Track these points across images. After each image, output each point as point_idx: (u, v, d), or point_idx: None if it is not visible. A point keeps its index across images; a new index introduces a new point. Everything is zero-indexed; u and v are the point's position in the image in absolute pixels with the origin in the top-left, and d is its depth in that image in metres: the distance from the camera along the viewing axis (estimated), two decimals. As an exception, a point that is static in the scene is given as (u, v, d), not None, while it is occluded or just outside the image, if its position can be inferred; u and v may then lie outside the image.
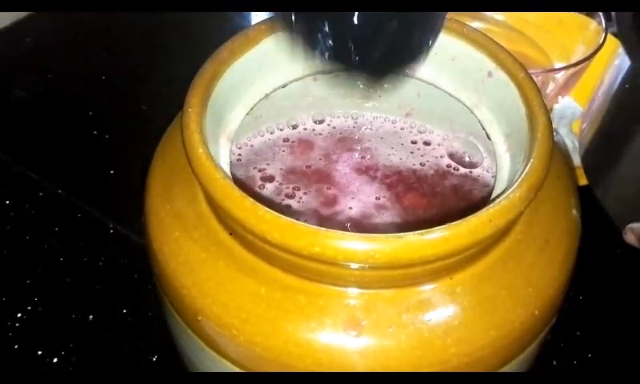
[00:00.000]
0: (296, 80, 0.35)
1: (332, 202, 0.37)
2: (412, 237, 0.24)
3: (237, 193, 0.25)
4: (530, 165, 0.27)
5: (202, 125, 0.28)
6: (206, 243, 0.28)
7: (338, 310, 0.26)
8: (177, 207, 0.30)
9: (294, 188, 0.38)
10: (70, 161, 0.57)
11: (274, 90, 0.35)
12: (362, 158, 0.40)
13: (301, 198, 0.37)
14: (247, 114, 0.34)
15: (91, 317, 0.47)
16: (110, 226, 0.52)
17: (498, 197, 0.26)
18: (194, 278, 0.27)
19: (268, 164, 0.39)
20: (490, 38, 0.32)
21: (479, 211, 0.25)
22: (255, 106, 0.34)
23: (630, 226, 0.37)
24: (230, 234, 0.28)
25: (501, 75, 0.31)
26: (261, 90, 0.34)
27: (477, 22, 0.63)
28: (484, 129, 0.33)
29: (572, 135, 0.55)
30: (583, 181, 0.52)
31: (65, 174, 0.56)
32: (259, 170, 0.38)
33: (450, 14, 0.34)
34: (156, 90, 0.63)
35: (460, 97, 0.34)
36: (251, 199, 0.25)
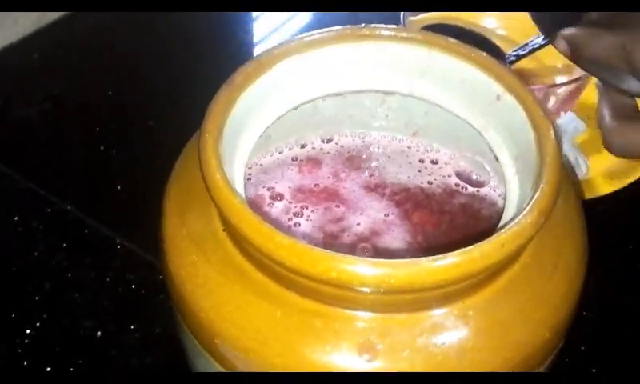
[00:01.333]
0: (306, 102, 0.36)
1: (340, 218, 0.38)
2: (426, 262, 0.25)
3: (254, 218, 0.26)
4: (540, 190, 0.27)
5: (218, 150, 0.29)
6: (222, 267, 0.28)
7: (353, 334, 0.26)
8: (193, 231, 0.30)
9: (302, 206, 0.38)
10: (78, 176, 0.58)
11: (286, 113, 0.35)
12: (370, 176, 0.40)
13: (309, 216, 0.38)
14: (264, 132, 0.35)
15: (99, 333, 0.47)
16: (118, 241, 0.52)
17: (508, 222, 0.27)
18: (212, 302, 0.28)
19: (277, 182, 0.39)
20: (498, 62, 0.33)
21: (491, 237, 0.26)
22: (269, 127, 0.35)
23: (561, 31, 0.33)
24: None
25: (509, 99, 0.32)
26: (273, 113, 0.35)
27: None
28: (492, 151, 0.33)
29: (575, 150, 0.55)
30: (587, 195, 0.53)
31: (72, 190, 0.56)
32: (268, 189, 0.39)
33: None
34: (162, 106, 0.63)
35: (468, 119, 0.35)
36: (269, 225, 0.26)
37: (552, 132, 0.29)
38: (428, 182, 0.40)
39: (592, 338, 0.47)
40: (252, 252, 0.27)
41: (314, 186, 0.39)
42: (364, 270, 0.25)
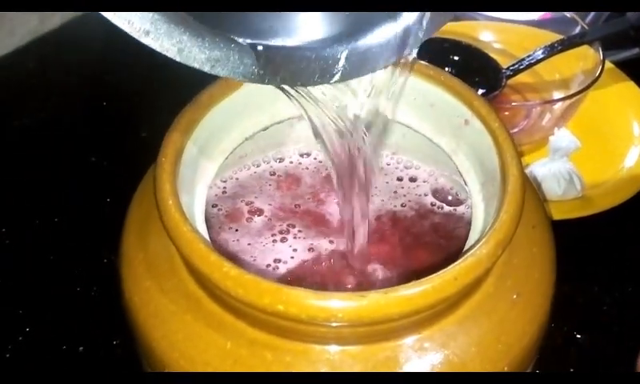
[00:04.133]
0: (277, 123, 0.35)
1: (315, 236, 0.37)
2: (375, 295, 0.24)
3: (202, 247, 0.26)
4: (499, 220, 0.27)
5: (174, 175, 0.28)
6: (175, 295, 0.28)
7: (303, 368, 0.26)
8: (150, 256, 0.30)
9: (280, 223, 0.38)
10: (67, 188, 0.58)
11: (255, 133, 0.35)
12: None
13: (288, 230, 0.37)
14: (230, 154, 0.35)
15: (81, 348, 0.47)
16: (104, 254, 0.52)
17: (466, 251, 0.26)
18: (163, 331, 0.27)
19: (256, 197, 0.39)
20: (467, 86, 0.32)
21: (444, 269, 0.25)
22: (236, 148, 0.34)
23: None
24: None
25: (476, 123, 0.31)
26: (242, 134, 0.34)
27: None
28: (461, 176, 0.33)
29: (569, 166, 0.54)
30: (582, 212, 0.52)
31: (61, 202, 0.56)
32: (247, 203, 0.38)
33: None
34: (155, 117, 0.62)
35: (439, 142, 0.34)
36: (217, 254, 0.25)
37: (515, 159, 0.29)
38: (406, 202, 0.39)
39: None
40: (202, 280, 0.26)
41: (289, 202, 0.39)
42: (311, 303, 0.24)
